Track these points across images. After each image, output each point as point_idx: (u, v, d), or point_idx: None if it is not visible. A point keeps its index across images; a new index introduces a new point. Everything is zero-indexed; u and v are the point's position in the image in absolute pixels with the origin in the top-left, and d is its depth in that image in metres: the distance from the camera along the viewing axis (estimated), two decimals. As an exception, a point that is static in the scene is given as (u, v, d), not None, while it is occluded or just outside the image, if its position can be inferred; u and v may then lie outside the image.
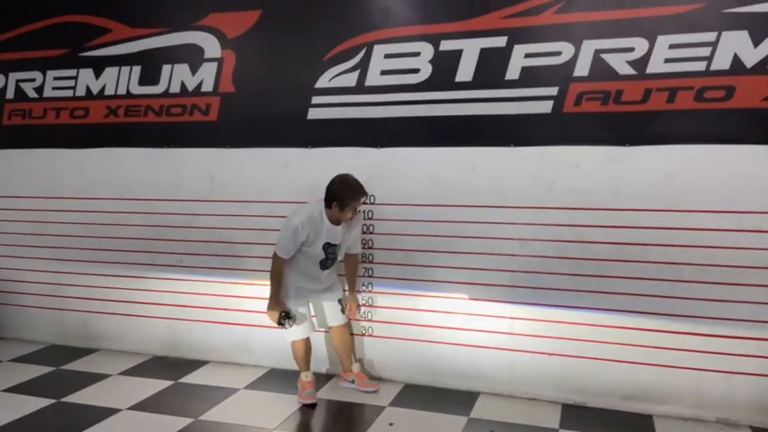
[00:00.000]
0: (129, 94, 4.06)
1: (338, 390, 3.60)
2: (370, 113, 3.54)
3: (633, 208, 3.13)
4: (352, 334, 3.68)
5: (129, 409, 3.35)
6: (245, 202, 3.87)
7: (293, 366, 3.56)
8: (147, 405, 3.40)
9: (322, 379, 3.72)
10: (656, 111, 3.03)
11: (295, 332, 3.40)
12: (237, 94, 3.81)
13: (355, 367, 3.60)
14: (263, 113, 3.78)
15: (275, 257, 3.31)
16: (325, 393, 3.56)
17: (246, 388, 3.63)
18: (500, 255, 3.37)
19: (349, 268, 3.57)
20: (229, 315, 3.97)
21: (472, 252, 3.42)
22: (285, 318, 3.30)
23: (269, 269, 3.34)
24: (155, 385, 3.67)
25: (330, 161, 3.56)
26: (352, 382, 3.57)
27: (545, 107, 3.20)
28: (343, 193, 3.22)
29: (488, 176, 3.37)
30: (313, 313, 3.56)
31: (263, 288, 3.55)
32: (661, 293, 3.12)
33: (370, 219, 3.58)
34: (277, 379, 3.76)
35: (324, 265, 3.38)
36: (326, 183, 3.29)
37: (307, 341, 3.47)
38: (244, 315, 3.92)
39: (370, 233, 3.65)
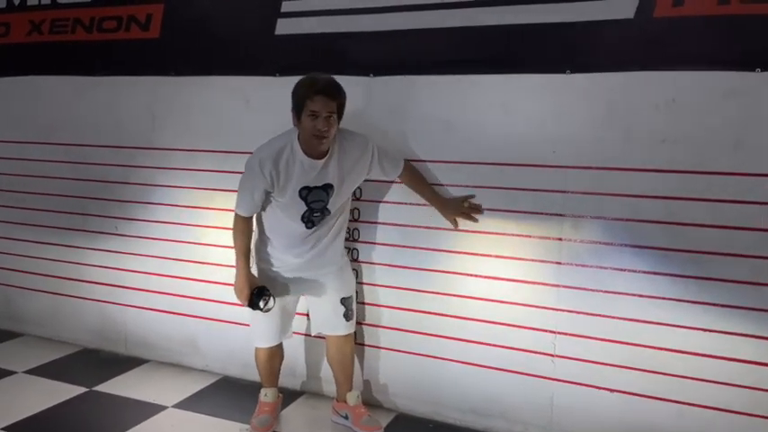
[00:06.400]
0: (54, 3, 3.11)
1: (316, 419, 2.59)
2: (363, 25, 2.49)
3: (763, 172, 2.00)
4: (358, 343, 2.62)
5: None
6: (192, 152, 2.87)
7: (254, 376, 2.64)
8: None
9: (290, 398, 2.71)
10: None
11: (261, 335, 2.44)
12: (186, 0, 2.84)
13: (351, 398, 2.52)
14: (215, 27, 2.78)
15: (235, 218, 2.35)
16: (293, 421, 2.55)
17: (176, 406, 2.63)
18: (542, 238, 2.30)
19: (411, 181, 2.44)
20: (174, 302, 3.01)
21: (501, 233, 2.37)
22: (258, 296, 2.29)
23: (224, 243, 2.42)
24: (57, 393, 2.71)
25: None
26: (346, 417, 2.53)
27: (625, 9, 2.11)
28: (296, 92, 2.18)
29: (530, 120, 2.31)
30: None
31: (215, 269, 2.78)
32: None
33: (357, 178, 2.49)
34: (227, 393, 2.78)
35: (309, 220, 2.32)
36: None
37: (275, 350, 2.50)
38: (191, 303, 2.97)
39: (356, 199, 2.57)
